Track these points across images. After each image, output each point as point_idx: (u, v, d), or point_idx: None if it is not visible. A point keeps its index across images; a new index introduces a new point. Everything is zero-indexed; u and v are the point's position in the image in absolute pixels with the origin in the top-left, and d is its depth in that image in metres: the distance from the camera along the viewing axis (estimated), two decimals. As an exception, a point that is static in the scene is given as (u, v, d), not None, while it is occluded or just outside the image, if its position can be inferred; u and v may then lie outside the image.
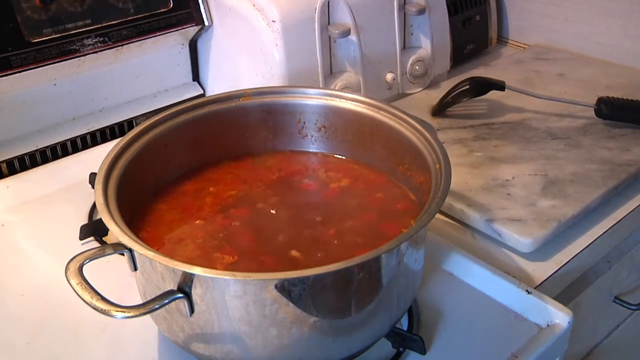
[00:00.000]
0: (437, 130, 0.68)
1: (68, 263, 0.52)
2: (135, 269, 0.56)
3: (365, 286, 0.54)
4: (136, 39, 0.95)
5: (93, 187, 0.82)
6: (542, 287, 0.73)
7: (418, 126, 0.67)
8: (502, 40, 1.37)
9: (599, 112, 0.99)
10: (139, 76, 1.01)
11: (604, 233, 0.81)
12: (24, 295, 0.71)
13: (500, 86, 1.05)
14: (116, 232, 0.53)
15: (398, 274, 0.57)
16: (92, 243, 0.77)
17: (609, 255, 0.86)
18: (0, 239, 0.80)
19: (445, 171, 0.60)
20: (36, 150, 0.94)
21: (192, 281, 0.51)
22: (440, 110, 1.04)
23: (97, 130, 0.98)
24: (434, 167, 0.62)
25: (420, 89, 1.13)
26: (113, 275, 0.64)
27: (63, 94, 0.94)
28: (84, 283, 0.51)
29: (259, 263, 0.60)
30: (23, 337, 0.66)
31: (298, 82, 0.94)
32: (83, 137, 0.97)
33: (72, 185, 0.87)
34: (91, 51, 0.92)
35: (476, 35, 1.27)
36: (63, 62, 0.90)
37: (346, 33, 0.96)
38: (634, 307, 0.94)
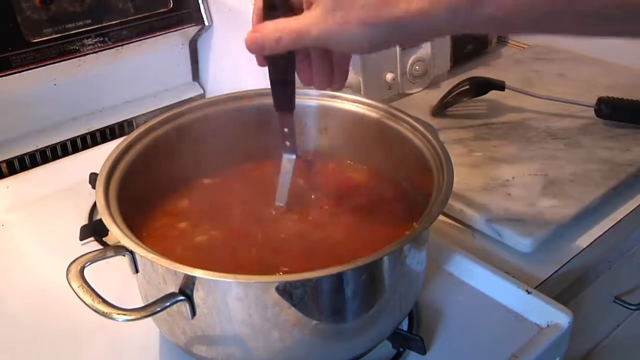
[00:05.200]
0: (437, 130, 0.68)
1: (69, 265, 0.52)
2: (137, 271, 0.56)
3: (368, 289, 0.54)
4: (136, 39, 0.95)
5: (93, 187, 0.82)
6: (542, 287, 0.73)
7: (419, 127, 0.67)
8: (502, 40, 1.37)
9: (599, 112, 0.99)
10: (139, 76, 1.01)
11: (604, 233, 0.81)
12: (24, 295, 0.71)
13: (500, 86, 1.05)
14: (118, 235, 0.53)
15: (401, 276, 0.57)
16: (92, 243, 0.77)
17: (609, 255, 0.86)
18: (0, 239, 0.80)
19: (448, 172, 0.59)
20: (36, 150, 0.93)
21: (193, 284, 0.51)
22: (440, 110, 1.04)
23: (97, 130, 0.98)
24: (436, 168, 0.62)
25: (420, 89, 1.13)
26: (114, 276, 0.63)
27: (63, 94, 0.94)
28: (85, 286, 0.50)
29: (261, 264, 0.60)
30: (23, 337, 0.66)
31: (298, 82, 0.94)
32: (83, 137, 0.97)
33: (72, 185, 0.87)
34: (91, 51, 0.92)
35: (476, 35, 1.27)
36: (63, 62, 0.90)
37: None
38: (634, 307, 0.94)
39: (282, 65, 0.59)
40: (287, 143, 0.66)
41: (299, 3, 0.54)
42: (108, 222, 0.54)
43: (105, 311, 0.49)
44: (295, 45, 0.53)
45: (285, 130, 0.65)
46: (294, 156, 0.66)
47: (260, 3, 0.56)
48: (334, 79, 0.60)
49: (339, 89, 0.62)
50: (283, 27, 0.52)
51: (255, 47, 0.55)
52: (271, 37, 0.53)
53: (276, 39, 0.53)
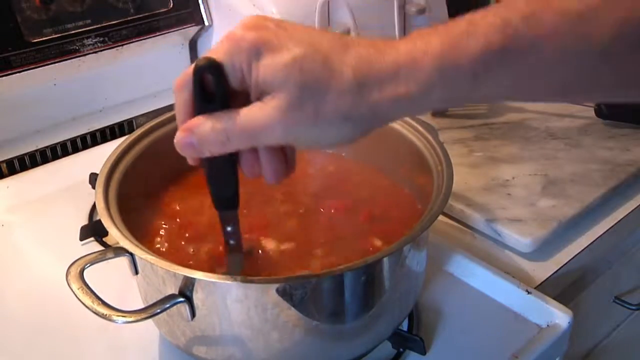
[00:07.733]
0: (437, 130, 0.68)
1: (69, 267, 0.52)
2: (137, 272, 0.56)
3: (368, 289, 0.54)
4: (136, 39, 0.95)
5: (93, 187, 0.82)
6: (542, 287, 0.73)
7: (419, 127, 0.67)
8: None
9: (599, 112, 0.99)
10: (139, 76, 1.01)
11: (604, 233, 0.81)
12: (24, 296, 0.71)
13: (500, 86, 1.04)
14: (117, 237, 0.53)
15: (401, 276, 0.57)
16: (92, 243, 0.77)
17: (609, 255, 0.86)
18: (0, 239, 0.80)
19: (447, 173, 0.59)
20: (36, 150, 0.94)
21: (193, 285, 0.51)
22: (440, 110, 1.04)
23: (97, 130, 0.98)
24: (436, 169, 0.61)
25: (420, 88, 1.12)
26: (114, 277, 0.63)
27: (63, 94, 0.94)
28: (84, 288, 0.51)
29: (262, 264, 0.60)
30: (23, 337, 0.66)
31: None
32: (83, 137, 0.97)
33: (72, 185, 0.87)
34: (91, 51, 0.92)
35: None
36: (63, 62, 0.90)
37: (346, 33, 0.96)
38: (634, 307, 0.94)
39: (222, 163, 0.47)
40: (232, 242, 0.54)
41: (242, 90, 0.43)
42: (107, 223, 0.54)
43: (105, 313, 0.49)
44: (247, 147, 0.43)
45: (229, 228, 0.54)
46: (241, 255, 0.56)
47: (187, 94, 0.44)
48: (288, 167, 0.47)
49: (288, 177, 0.48)
50: (230, 126, 0.42)
51: (191, 152, 0.44)
52: (213, 140, 0.42)
53: (220, 141, 0.42)
